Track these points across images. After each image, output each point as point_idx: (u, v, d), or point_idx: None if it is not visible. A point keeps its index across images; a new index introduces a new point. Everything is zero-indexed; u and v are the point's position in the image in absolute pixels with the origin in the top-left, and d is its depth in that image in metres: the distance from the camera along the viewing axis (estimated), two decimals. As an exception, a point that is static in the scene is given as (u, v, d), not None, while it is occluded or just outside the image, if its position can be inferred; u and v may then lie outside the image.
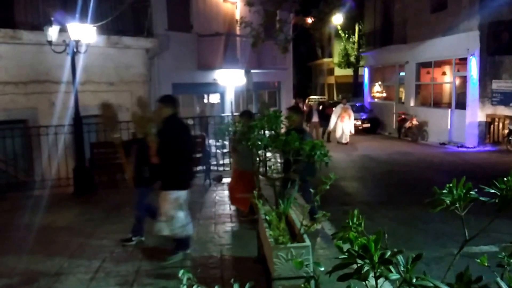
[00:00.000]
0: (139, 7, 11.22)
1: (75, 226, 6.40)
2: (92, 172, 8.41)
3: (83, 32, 8.02)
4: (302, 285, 1.52)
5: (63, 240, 5.72)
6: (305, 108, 25.31)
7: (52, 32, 7.90)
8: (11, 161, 8.89)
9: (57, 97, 9.40)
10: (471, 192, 1.60)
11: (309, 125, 16.27)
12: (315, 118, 16.25)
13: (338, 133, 16.16)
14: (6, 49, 8.83)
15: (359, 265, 1.35)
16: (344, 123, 16.02)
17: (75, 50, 8.04)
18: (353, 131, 16.58)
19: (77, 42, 8.01)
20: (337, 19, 20.51)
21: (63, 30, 8.02)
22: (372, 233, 1.47)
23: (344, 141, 16.02)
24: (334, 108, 16.77)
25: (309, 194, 5.52)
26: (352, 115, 16.49)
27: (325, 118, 16.56)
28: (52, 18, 7.92)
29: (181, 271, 1.69)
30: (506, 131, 13.69)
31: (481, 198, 1.60)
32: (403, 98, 19.17)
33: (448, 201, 1.60)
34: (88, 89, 9.83)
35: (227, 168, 9.96)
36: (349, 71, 26.73)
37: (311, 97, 28.90)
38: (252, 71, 13.75)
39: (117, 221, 6.57)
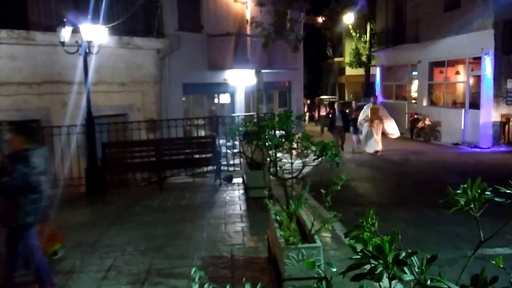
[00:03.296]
0: (150, 8, 11.29)
1: (87, 225, 6.46)
2: (104, 171, 8.48)
3: (95, 33, 8.10)
4: (315, 285, 1.50)
5: (75, 238, 5.77)
6: (327, 110, 20.99)
7: (65, 33, 7.99)
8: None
9: (70, 97, 9.50)
10: (486, 193, 1.57)
11: (335, 131, 13.75)
12: (339, 122, 13.69)
13: (367, 142, 13.27)
14: (19, 50, 8.95)
15: (372, 265, 1.33)
16: (375, 129, 13.07)
17: (87, 50, 8.12)
18: (398, 134, 13.66)
19: (89, 43, 8.09)
20: (349, 18, 20.39)
21: (75, 31, 8.11)
22: (384, 234, 1.44)
23: (373, 150, 13.17)
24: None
25: (35, 249, 3.96)
26: (387, 116, 13.52)
27: (353, 122, 14.04)
28: (65, 19, 8.00)
29: (193, 270, 1.70)
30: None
31: (497, 199, 1.57)
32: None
33: (462, 202, 1.57)
34: (100, 90, 9.92)
35: (238, 168, 9.97)
36: (360, 71, 26.52)
37: (322, 97, 28.76)
38: (262, 71, 13.75)
39: (129, 220, 6.61)
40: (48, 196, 4.43)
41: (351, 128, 14.16)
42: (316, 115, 22.72)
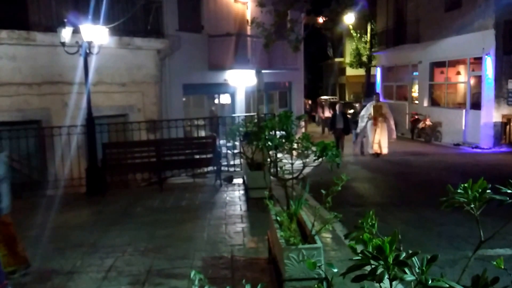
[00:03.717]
0: (150, 8, 11.29)
1: (88, 226, 6.45)
2: (104, 172, 8.47)
3: (96, 33, 8.10)
4: (316, 286, 1.49)
5: (76, 239, 5.76)
6: (330, 112, 19.67)
7: (65, 34, 7.99)
8: (25, 161, 9.01)
9: (70, 97, 9.51)
10: (487, 191, 1.56)
11: (335, 133, 13.06)
12: (340, 124, 12.97)
13: (370, 141, 12.67)
14: (20, 51, 8.96)
15: (373, 266, 1.32)
16: (379, 128, 12.41)
17: (87, 51, 8.12)
18: (394, 137, 12.86)
19: (89, 43, 8.09)
20: (349, 18, 20.40)
21: (76, 31, 8.11)
22: (384, 235, 1.44)
23: (381, 151, 12.49)
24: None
25: None
26: (390, 115, 12.79)
27: (356, 125, 13.45)
28: (65, 20, 8.01)
29: (193, 272, 1.69)
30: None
31: (498, 197, 1.56)
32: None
33: (462, 201, 1.57)
34: (100, 90, 9.92)
35: (238, 169, 9.97)
36: (361, 71, 26.51)
37: (322, 97, 28.79)
38: (263, 71, 13.77)
39: (129, 221, 6.60)
40: (9, 204, 4.38)
41: (353, 131, 13.66)
42: (322, 115, 22.50)
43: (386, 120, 12.63)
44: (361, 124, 13.00)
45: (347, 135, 13.37)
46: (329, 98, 27.11)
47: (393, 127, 12.96)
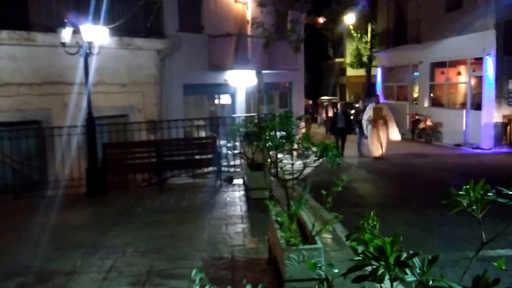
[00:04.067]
0: (151, 9, 11.30)
1: (88, 226, 6.45)
2: (104, 172, 8.47)
3: (96, 33, 8.10)
4: (316, 286, 1.49)
5: (76, 239, 5.76)
6: (329, 113, 20.43)
7: (66, 34, 8.00)
8: (25, 162, 9.01)
9: (70, 98, 9.52)
10: (489, 194, 1.56)
11: (336, 133, 13.01)
12: (341, 124, 12.92)
13: (372, 144, 12.63)
14: (20, 51, 8.96)
15: (374, 267, 1.32)
16: (380, 131, 12.43)
17: (88, 51, 8.12)
18: (399, 137, 12.96)
19: (90, 43, 8.09)
20: (350, 18, 20.42)
21: (76, 32, 8.11)
22: (385, 235, 1.43)
23: (378, 153, 12.52)
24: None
25: None
26: (391, 117, 12.79)
27: (359, 124, 13.28)
28: (66, 20, 8.01)
29: (194, 271, 1.69)
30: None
31: (500, 200, 1.56)
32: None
33: (465, 203, 1.56)
34: (101, 90, 9.93)
35: (238, 169, 9.96)
36: (361, 71, 26.51)
37: (322, 97, 28.76)
38: (263, 71, 13.77)
39: (129, 221, 6.60)
40: None
41: (357, 130, 13.53)
42: (325, 116, 22.48)
43: (386, 123, 12.58)
44: (364, 125, 12.92)
45: (349, 135, 13.33)
46: (331, 99, 27.09)
47: (395, 128, 12.93)
